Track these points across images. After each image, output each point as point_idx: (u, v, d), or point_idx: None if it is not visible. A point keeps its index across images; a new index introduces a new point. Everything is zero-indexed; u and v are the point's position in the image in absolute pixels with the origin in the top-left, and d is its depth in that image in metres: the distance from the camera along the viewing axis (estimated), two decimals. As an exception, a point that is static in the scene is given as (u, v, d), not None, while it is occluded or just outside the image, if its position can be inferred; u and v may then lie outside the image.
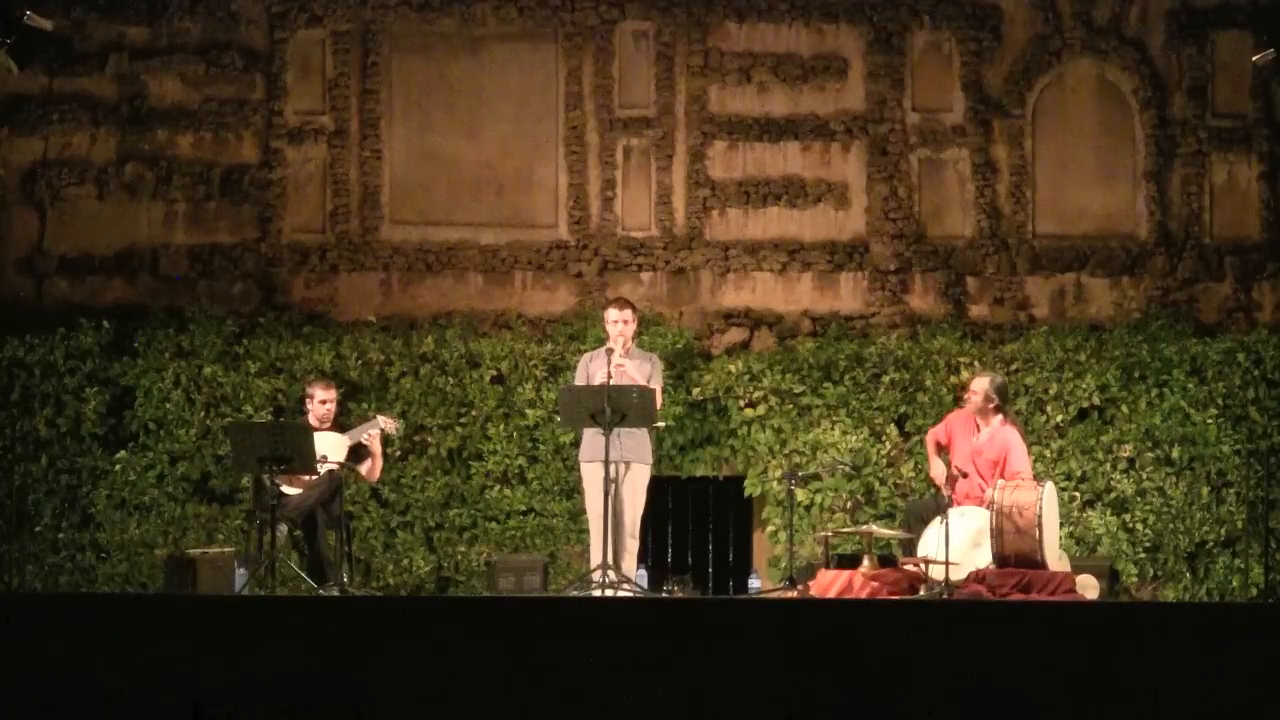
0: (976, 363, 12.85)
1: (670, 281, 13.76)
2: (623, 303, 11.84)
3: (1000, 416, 11.77)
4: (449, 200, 13.78)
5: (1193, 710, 8.25)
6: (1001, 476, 11.54)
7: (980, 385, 11.80)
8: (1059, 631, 8.72)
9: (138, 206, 13.68)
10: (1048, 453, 12.72)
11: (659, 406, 11.66)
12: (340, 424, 11.99)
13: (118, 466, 12.77)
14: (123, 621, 8.77)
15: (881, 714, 8.28)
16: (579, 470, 11.95)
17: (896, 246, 13.75)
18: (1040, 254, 13.75)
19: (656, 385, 11.68)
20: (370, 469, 11.88)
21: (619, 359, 11.49)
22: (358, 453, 11.82)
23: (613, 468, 11.31)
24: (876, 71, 13.81)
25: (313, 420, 11.77)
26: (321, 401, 11.81)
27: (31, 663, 8.35)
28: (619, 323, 11.65)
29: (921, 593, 11.19)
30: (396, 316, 13.55)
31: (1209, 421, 12.72)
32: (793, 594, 11.52)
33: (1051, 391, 12.84)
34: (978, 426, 11.81)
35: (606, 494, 11.30)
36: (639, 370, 11.56)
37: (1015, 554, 11.18)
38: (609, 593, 11.15)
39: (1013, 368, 12.91)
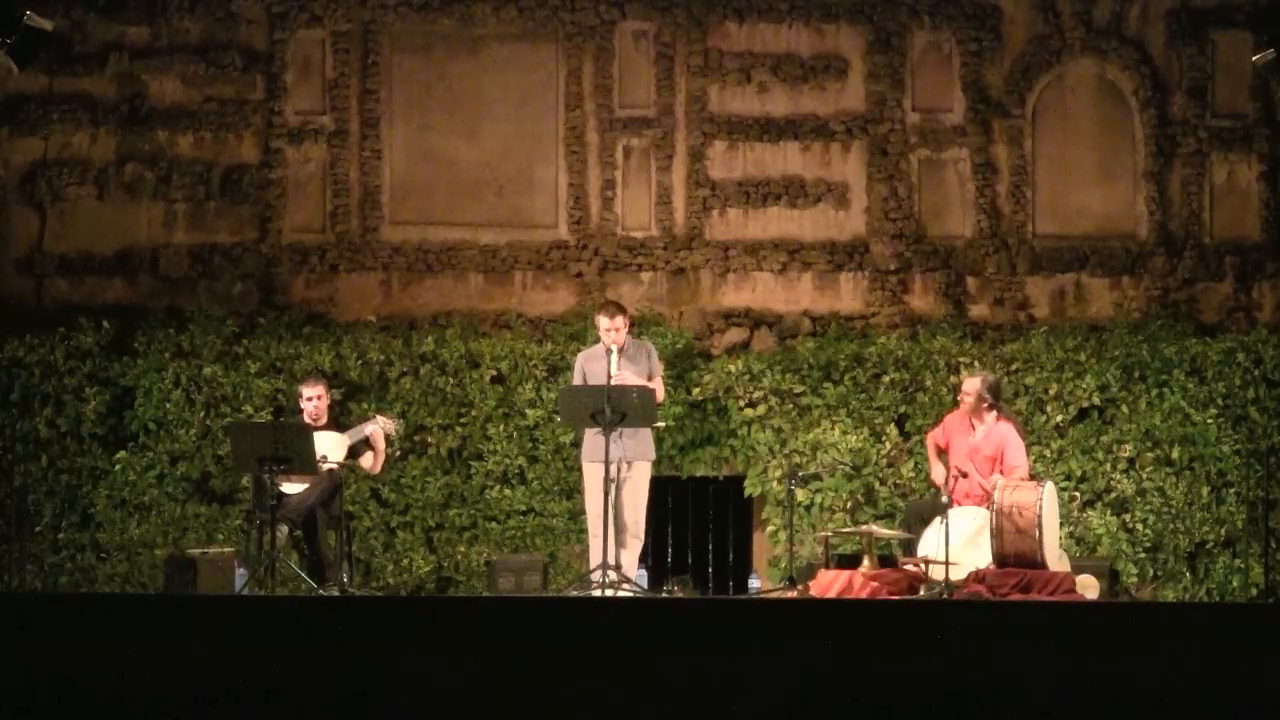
0: (976, 363, 12.85)
1: (670, 281, 13.76)
2: (612, 310, 11.77)
3: (995, 414, 11.78)
4: (449, 200, 13.78)
5: (1193, 710, 8.25)
6: (999, 472, 11.56)
7: (972, 385, 11.83)
8: (1059, 631, 8.72)
9: (138, 206, 13.68)
10: (1048, 453, 12.72)
11: (659, 386, 11.74)
12: (340, 424, 12.00)
13: (118, 466, 12.77)
14: (123, 621, 8.77)
15: (881, 714, 8.28)
16: (580, 470, 11.96)
17: (896, 246, 13.75)
18: (1040, 254, 13.75)
19: (657, 374, 11.78)
20: (373, 463, 11.90)
21: (616, 369, 11.49)
22: (357, 449, 11.83)
23: (614, 467, 11.32)
24: (876, 71, 13.81)
25: (307, 419, 11.78)
26: (308, 399, 11.83)
27: (32, 663, 8.35)
28: (611, 330, 11.65)
29: (921, 593, 11.20)
30: (396, 316, 13.55)
31: (1209, 421, 12.73)
32: (793, 594, 11.52)
33: (1051, 391, 12.84)
34: (973, 425, 11.82)
35: (607, 494, 11.31)
36: (638, 374, 11.58)
37: (1015, 554, 11.19)
38: (609, 593, 11.15)
39: (1013, 368, 12.91)
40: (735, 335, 13.68)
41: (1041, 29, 13.83)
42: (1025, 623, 8.94)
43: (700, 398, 13.05)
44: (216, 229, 13.72)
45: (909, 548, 11.68)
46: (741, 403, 13.01)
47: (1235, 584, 12.59)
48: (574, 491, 12.53)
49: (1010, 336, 13.43)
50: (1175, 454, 12.72)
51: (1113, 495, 12.74)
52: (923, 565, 11.25)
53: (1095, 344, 13.08)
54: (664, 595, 12.28)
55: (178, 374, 12.85)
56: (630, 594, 11.31)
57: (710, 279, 13.77)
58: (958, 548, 11.16)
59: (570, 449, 12.59)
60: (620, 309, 11.82)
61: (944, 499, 11.36)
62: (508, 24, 13.79)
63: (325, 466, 11.50)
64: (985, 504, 11.41)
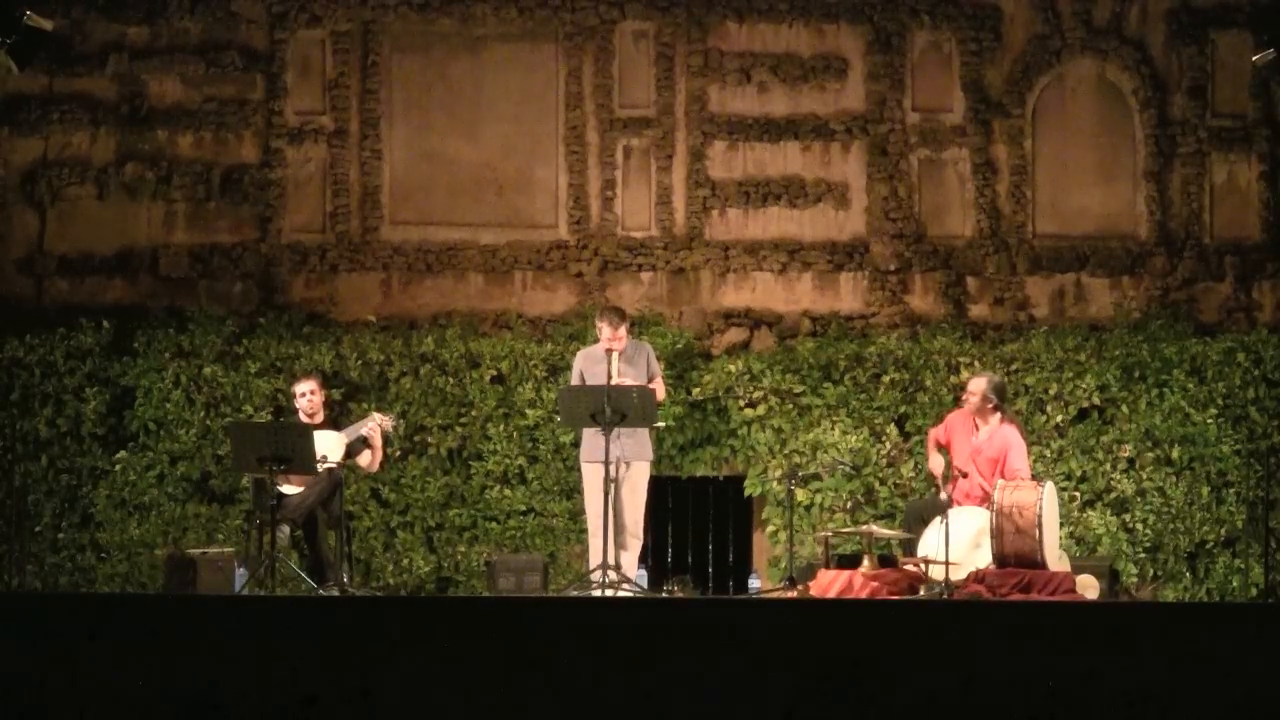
0: (976, 363, 12.85)
1: (670, 281, 13.76)
2: (615, 320, 11.73)
3: (999, 416, 11.78)
4: (449, 200, 13.79)
5: (1193, 710, 8.25)
6: (1002, 475, 11.55)
7: (978, 386, 11.82)
8: (1059, 631, 8.72)
9: (138, 206, 13.68)
10: (1048, 453, 12.72)
11: (660, 387, 11.77)
12: (337, 423, 12.00)
13: (118, 466, 12.77)
14: (123, 621, 8.77)
15: (881, 714, 8.28)
16: (579, 470, 11.96)
17: (896, 246, 13.76)
18: (1040, 254, 13.76)
19: (657, 375, 11.82)
20: (371, 461, 11.89)
21: (616, 373, 11.50)
22: (355, 448, 11.83)
23: (613, 467, 11.32)
24: (876, 71, 13.81)
25: (302, 417, 11.79)
26: (301, 394, 11.84)
27: (32, 663, 8.35)
28: (614, 340, 11.64)
29: (921, 593, 11.20)
30: (396, 316, 13.56)
31: (1209, 421, 12.72)
32: (793, 594, 11.52)
33: (1051, 391, 12.84)
34: (976, 426, 11.82)
35: (606, 494, 11.31)
36: (636, 377, 11.60)
37: (1015, 554, 11.18)
38: (609, 593, 11.16)
39: (1013, 368, 12.91)
40: (735, 335, 13.69)
41: (1041, 29, 13.83)
42: (1025, 623, 8.94)
43: (700, 398, 13.05)
44: (216, 229, 13.72)
45: (909, 548, 11.67)
46: (741, 403, 13.00)
47: (1235, 584, 12.59)
48: (574, 491, 12.53)
49: (1010, 336, 13.43)
50: (1175, 454, 12.72)
51: (1113, 495, 12.74)
52: (923, 565, 11.24)
53: (1095, 344, 13.08)
54: (664, 595, 12.28)
55: (178, 374, 12.84)
56: (630, 594, 11.31)
57: (710, 279, 13.77)
58: (958, 548, 11.16)
59: (570, 449, 12.59)
60: (622, 317, 11.80)
61: (943, 497, 11.36)
62: (508, 24, 13.79)
63: (325, 466, 11.49)
64: (985, 504, 11.40)
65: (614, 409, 11.18)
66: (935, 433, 12.05)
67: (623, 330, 11.70)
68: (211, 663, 8.35)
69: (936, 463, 11.80)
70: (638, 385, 11.48)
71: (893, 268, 13.74)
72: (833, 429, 12.83)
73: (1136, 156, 13.81)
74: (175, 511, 12.73)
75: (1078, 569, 11.62)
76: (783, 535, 12.53)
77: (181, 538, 12.62)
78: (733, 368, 13.05)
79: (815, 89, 13.84)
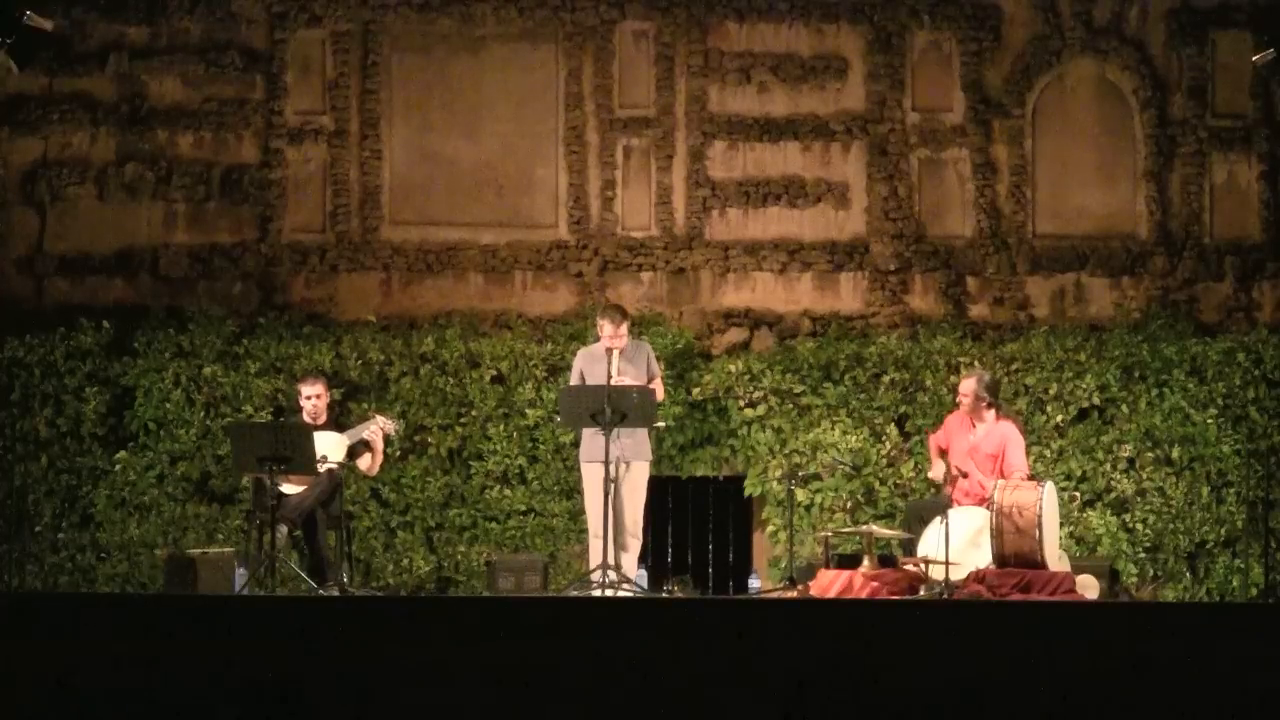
0: (976, 362, 12.84)
1: (670, 281, 13.76)
2: (617, 317, 11.73)
3: (994, 412, 11.79)
4: (449, 200, 13.78)
5: (1193, 710, 8.26)
6: (1000, 471, 11.56)
7: (968, 386, 11.83)
8: (1059, 631, 8.72)
9: (138, 206, 13.68)
10: (1048, 453, 12.72)
11: (660, 386, 11.77)
12: (340, 424, 12.00)
13: (118, 466, 12.77)
14: (123, 621, 8.77)
15: (881, 714, 8.28)
16: (579, 470, 11.96)
17: (896, 246, 13.75)
18: (1040, 254, 13.76)
19: (656, 375, 11.81)
20: (370, 464, 11.89)
21: (616, 372, 11.50)
22: (355, 450, 11.83)
23: (613, 467, 11.33)
24: (876, 71, 13.81)
25: (306, 418, 11.78)
26: (307, 397, 11.83)
27: (32, 663, 8.35)
28: (616, 337, 11.64)
29: (921, 593, 11.20)
30: (396, 316, 13.55)
31: (1209, 421, 12.73)
32: (793, 594, 11.52)
33: (1051, 391, 12.84)
34: (973, 425, 11.83)
35: (606, 494, 11.31)
36: (636, 376, 11.59)
37: (1015, 554, 11.19)
38: (609, 593, 11.16)
39: (1013, 368, 12.91)
40: (735, 335, 13.69)
41: (1041, 29, 13.83)
42: (1025, 623, 8.94)
43: (700, 398, 13.04)
44: (216, 229, 13.72)
45: (909, 548, 11.68)
46: (741, 403, 13.00)
47: (1235, 584, 12.59)
48: (574, 491, 12.53)
49: (1010, 336, 13.43)
50: (1175, 454, 12.72)
51: (1113, 495, 12.75)
52: (923, 565, 11.24)
53: (1095, 344, 13.08)
54: (664, 595, 12.28)
55: (178, 374, 12.85)
56: (630, 594, 11.31)
57: (710, 279, 13.76)
58: (958, 548, 11.16)
59: (570, 449, 12.59)
60: (624, 315, 11.80)
61: (944, 497, 11.35)
62: (508, 24, 13.80)
63: (325, 467, 11.50)
64: (985, 504, 11.40)
65: (614, 409, 11.19)
66: (935, 438, 12.04)
67: (624, 328, 11.70)
68: (211, 663, 8.35)
69: (938, 470, 11.80)
70: (638, 385, 11.48)
71: (893, 268, 13.74)
72: (833, 429, 12.83)
73: (1136, 156, 13.82)
74: (175, 511, 12.73)
75: (1078, 569, 11.62)
76: (783, 535, 12.53)
77: (181, 538, 12.63)
78: (733, 368, 13.05)
79: (815, 89, 13.84)
